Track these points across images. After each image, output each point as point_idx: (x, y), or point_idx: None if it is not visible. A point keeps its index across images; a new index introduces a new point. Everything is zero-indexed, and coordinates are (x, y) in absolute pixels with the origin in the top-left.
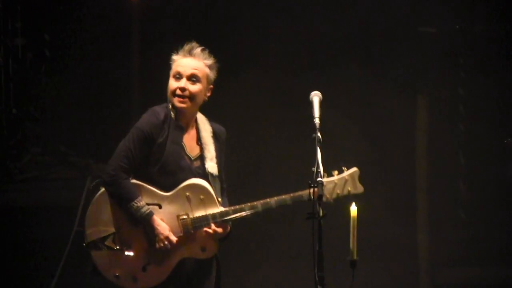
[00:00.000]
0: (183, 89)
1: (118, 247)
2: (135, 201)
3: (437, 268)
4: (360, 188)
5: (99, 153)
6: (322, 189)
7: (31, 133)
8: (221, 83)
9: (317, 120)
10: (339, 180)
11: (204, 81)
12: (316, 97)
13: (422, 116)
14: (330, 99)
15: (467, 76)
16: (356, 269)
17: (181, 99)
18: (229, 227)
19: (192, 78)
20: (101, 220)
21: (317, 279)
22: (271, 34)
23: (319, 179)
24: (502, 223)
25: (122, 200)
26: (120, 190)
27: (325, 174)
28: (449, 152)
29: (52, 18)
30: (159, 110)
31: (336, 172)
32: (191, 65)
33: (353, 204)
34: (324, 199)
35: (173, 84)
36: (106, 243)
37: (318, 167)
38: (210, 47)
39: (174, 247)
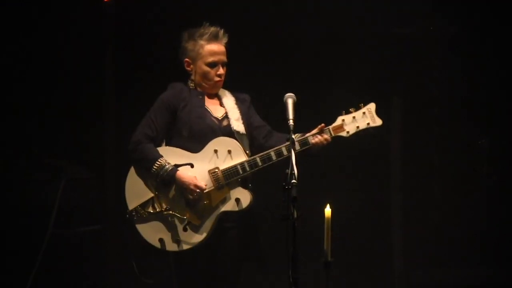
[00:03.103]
0: (221, 75)
1: (158, 210)
2: (158, 160)
3: (412, 269)
4: (378, 121)
5: (72, 154)
6: (296, 191)
7: (3, 135)
8: None
9: (291, 122)
10: (358, 114)
11: None
12: (290, 99)
13: (396, 117)
14: (303, 99)
15: (441, 77)
16: (330, 270)
17: (220, 84)
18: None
19: (224, 64)
20: (137, 192)
21: (291, 281)
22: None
23: (293, 180)
24: (476, 223)
25: (146, 163)
26: (142, 154)
27: (343, 112)
28: (423, 153)
29: (24, 20)
30: (176, 83)
31: (353, 109)
32: (222, 51)
33: (327, 205)
34: (344, 134)
35: (211, 72)
36: (145, 208)
37: (292, 168)
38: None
39: (208, 198)
